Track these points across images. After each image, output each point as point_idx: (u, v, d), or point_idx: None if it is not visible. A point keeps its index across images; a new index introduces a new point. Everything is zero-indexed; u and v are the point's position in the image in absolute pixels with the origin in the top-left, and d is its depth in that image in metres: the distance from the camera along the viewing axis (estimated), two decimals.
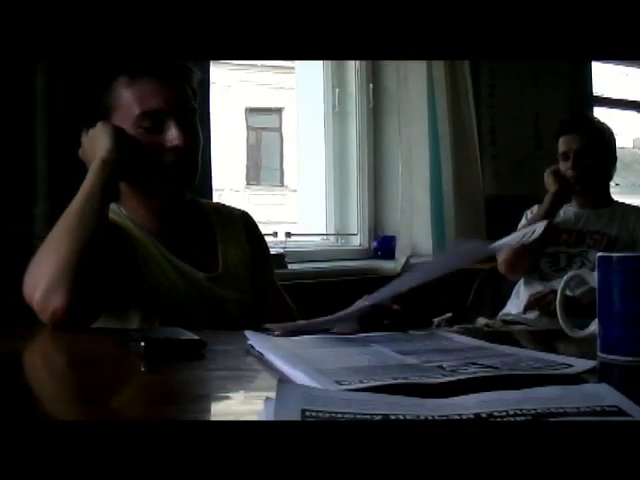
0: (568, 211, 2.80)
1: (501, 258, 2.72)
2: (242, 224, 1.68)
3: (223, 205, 1.76)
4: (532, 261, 2.72)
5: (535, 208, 2.81)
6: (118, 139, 1.44)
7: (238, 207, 1.77)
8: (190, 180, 1.54)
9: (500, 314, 2.75)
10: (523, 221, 2.82)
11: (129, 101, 1.47)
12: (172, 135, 1.46)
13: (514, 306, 2.77)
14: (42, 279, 1.30)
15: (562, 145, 2.76)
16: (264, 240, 1.75)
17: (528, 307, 2.64)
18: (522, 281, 2.79)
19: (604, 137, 2.77)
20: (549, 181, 2.74)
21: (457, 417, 0.62)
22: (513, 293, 2.82)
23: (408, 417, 0.62)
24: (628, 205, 2.85)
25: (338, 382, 0.73)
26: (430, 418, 0.62)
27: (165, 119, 1.47)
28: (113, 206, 1.52)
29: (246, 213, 1.74)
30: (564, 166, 2.73)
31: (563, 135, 2.77)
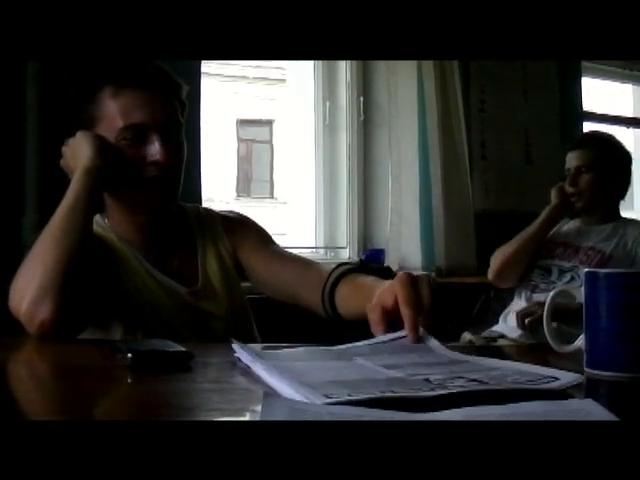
0: (571, 226, 2.81)
1: (493, 267, 2.73)
2: (221, 227, 1.65)
3: (205, 209, 1.73)
4: (524, 272, 2.73)
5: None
6: (100, 147, 1.43)
7: (224, 209, 1.74)
8: (170, 195, 1.52)
9: (487, 330, 2.73)
10: None
11: (113, 113, 1.45)
12: (154, 150, 1.45)
13: (503, 321, 2.76)
14: (29, 290, 1.29)
15: (568, 161, 2.79)
16: (252, 229, 1.67)
17: (521, 327, 2.60)
18: (515, 296, 2.80)
19: (609, 154, 2.77)
20: (552, 195, 2.78)
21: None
22: (510, 306, 2.81)
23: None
24: (633, 221, 2.84)
25: (326, 395, 0.73)
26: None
27: (149, 133, 1.45)
28: (98, 218, 1.52)
29: (225, 215, 1.69)
30: (567, 182, 2.76)
31: (569, 152, 2.80)
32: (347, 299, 1.41)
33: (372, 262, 3.44)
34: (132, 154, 1.45)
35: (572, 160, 2.76)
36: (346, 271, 1.44)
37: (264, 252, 1.62)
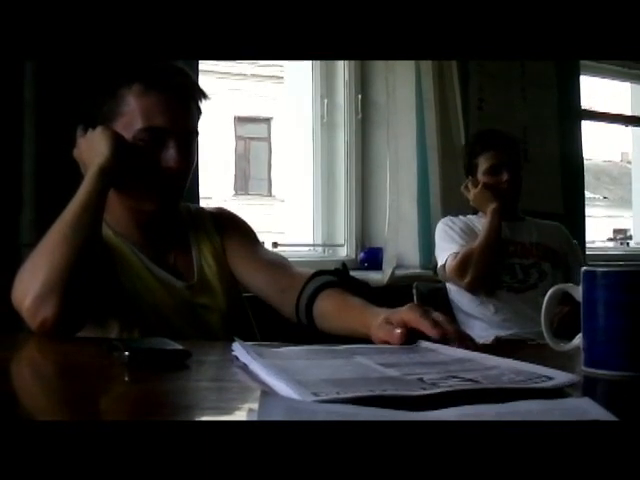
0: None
1: (469, 278, 2.66)
2: (212, 224, 1.65)
3: (195, 206, 1.73)
4: (497, 274, 2.72)
5: (457, 220, 2.85)
6: (118, 147, 1.42)
7: (213, 207, 1.74)
8: (175, 200, 1.54)
9: (480, 335, 2.69)
10: (452, 233, 2.82)
11: (135, 112, 1.45)
12: (169, 156, 1.45)
13: (488, 321, 2.72)
14: (34, 286, 1.29)
15: (490, 159, 2.77)
16: (240, 227, 1.67)
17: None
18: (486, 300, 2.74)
19: (520, 153, 2.86)
20: (486, 196, 2.75)
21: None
22: (477, 309, 2.75)
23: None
24: (541, 221, 2.91)
25: (315, 393, 0.73)
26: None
27: (167, 138, 1.45)
28: None
29: (214, 212, 1.70)
30: (492, 179, 2.76)
31: (490, 150, 2.78)
32: (331, 315, 1.41)
33: (370, 260, 3.44)
34: (146, 156, 1.45)
35: (501, 158, 2.76)
36: (326, 283, 1.45)
37: (246, 251, 1.61)
